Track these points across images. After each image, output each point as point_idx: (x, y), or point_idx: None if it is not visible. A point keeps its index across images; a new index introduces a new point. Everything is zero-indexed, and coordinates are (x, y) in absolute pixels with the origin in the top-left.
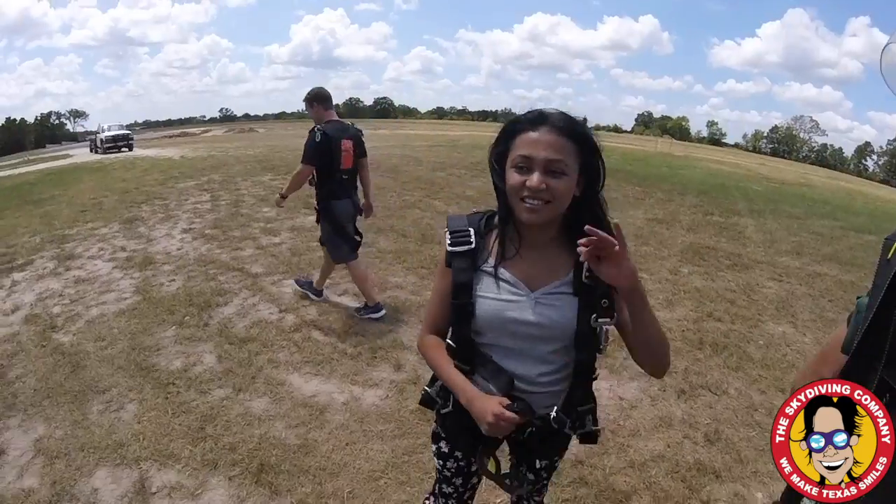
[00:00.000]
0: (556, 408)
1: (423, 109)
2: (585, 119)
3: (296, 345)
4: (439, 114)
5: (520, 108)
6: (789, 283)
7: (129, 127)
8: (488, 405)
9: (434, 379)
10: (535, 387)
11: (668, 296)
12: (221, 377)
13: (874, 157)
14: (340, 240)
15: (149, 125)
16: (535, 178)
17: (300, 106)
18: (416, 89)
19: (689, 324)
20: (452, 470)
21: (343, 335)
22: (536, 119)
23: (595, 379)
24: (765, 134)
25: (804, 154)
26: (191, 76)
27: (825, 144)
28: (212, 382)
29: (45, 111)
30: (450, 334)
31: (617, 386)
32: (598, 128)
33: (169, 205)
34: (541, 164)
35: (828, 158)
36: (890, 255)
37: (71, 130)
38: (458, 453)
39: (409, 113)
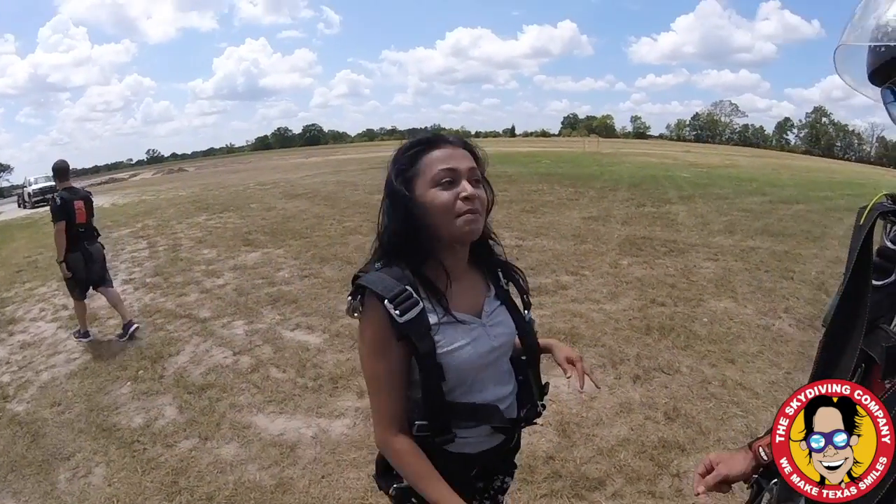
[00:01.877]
0: (538, 400)
1: (352, 133)
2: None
3: (255, 386)
4: (370, 136)
5: (448, 123)
6: (725, 260)
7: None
8: None
9: (386, 470)
10: (507, 400)
11: (611, 289)
12: (186, 428)
13: (794, 130)
14: (73, 283)
15: (76, 174)
16: (468, 187)
17: (228, 140)
18: (345, 113)
19: (634, 312)
20: None
21: (301, 370)
22: (436, 138)
23: None
24: (687, 122)
25: (727, 136)
26: (115, 119)
27: (746, 125)
28: (177, 434)
29: None
30: (417, 411)
31: (575, 380)
32: (526, 134)
33: (105, 256)
34: (465, 174)
35: (750, 138)
36: (862, 220)
37: None
38: None
39: (339, 138)
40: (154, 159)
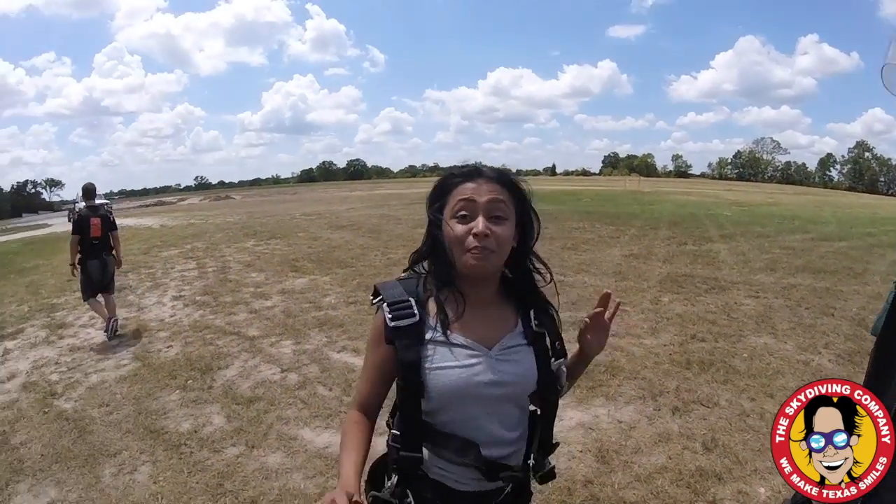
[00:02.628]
0: (532, 455)
1: (395, 169)
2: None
3: (302, 401)
4: (412, 172)
5: (489, 161)
6: (766, 297)
7: (105, 196)
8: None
9: (377, 481)
10: (507, 447)
11: (651, 324)
12: (233, 436)
13: (837, 166)
14: (88, 285)
15: (125, 194)
16: (480, 224)
17: (275, 172)
18: (388, 149)
19: (674, 347)
20: None
21: (347, 388)
22: (472, 171)
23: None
24: (729, 160)
25: (769, 174)
26: (165, 145)
27: (789, 162)
28: (224, 441)
29: (21, 180)
30: (395, 421)
31: (614, 411)
32: (566, 172)
33: (155, 273)
34: (484, 208)
35: (793, 175)
36: None
37: (47, 200)
38: None
39: (382, 173)
40: (202, 185)
